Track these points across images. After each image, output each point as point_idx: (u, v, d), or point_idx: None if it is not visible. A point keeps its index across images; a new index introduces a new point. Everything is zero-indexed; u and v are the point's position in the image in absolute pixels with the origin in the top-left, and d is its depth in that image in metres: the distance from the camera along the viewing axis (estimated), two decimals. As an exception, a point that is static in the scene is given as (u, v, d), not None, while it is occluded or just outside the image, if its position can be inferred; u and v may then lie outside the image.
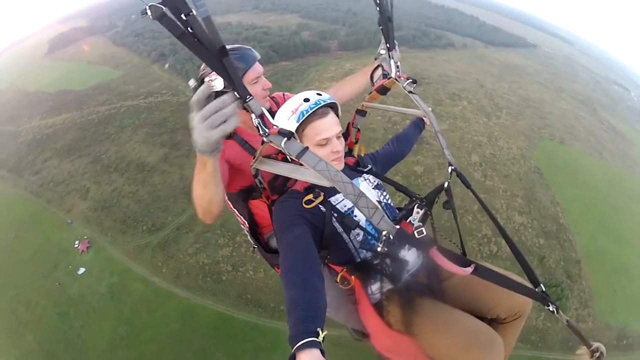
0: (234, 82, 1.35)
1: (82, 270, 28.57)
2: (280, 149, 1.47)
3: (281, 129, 1.48)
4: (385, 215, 1.43)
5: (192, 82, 1.68)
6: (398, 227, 1.47)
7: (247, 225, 2.35)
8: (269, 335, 22.93)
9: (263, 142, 1.52)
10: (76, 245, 30.33)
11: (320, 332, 1.09)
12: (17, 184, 40.41)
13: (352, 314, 2.10)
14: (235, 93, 1.38)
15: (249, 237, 2.44)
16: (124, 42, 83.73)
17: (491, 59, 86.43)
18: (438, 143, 2.06)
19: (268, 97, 2.25)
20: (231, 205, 2.37)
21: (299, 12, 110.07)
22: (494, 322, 1.97)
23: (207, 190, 1.59)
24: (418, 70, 62.55)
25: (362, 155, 2.27)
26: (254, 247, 2.44)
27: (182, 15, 1.17)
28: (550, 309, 1.48)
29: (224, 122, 1.30)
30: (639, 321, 28.03)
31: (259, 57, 2.19)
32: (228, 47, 1.74)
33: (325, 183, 1.47)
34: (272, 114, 1.80)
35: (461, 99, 55.24)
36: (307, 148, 1.46)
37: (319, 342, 1.06)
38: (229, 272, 26.77)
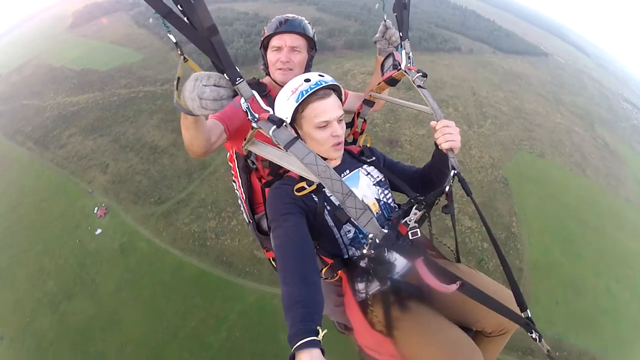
0: (222, 63, 1.30)
1: (99, 231, 33.22)
2: (269, 137, 1.39)
3: (271, 115, 1.39)
4: (374, 218, 1.37)
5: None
6: (386, 231, 1.42)
7: (245, 198, 2.33)
8: (235, 288, 28.05)
9: (253, 127, 1.44)
10: (95, 211, 34.93)
11: (320, 330, 1.08)
12: (44, 156, 43.11)
13: (338, 306, 2.04)
14: (225, 74, 1.34)
15: (243, 212, 2.42)
16: (147, 24, 79.85)
17: (495, 66, 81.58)
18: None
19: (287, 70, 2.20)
20: (237, 174, 2.35)
21: (317, 4, 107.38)
22: (479, 334, 1.85)
23: (188, 133, 1.64)
24: (413, 73, 62.09)
25: (368, 146, 2.09)
26: (248, 222, 2.40)
27: None
28: (533, 336, 1.33)
29: (215, 108, 1.32)
30: (579, 337, 27.70)
31: (286, 27, 2.17)
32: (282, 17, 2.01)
33: (313, 178, 1.42)
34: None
35: (448, 106, 54.29)
36: (297, 138, 1.37)
37: (319, 340, 1.04)
38: (212, 239, 31.52)
